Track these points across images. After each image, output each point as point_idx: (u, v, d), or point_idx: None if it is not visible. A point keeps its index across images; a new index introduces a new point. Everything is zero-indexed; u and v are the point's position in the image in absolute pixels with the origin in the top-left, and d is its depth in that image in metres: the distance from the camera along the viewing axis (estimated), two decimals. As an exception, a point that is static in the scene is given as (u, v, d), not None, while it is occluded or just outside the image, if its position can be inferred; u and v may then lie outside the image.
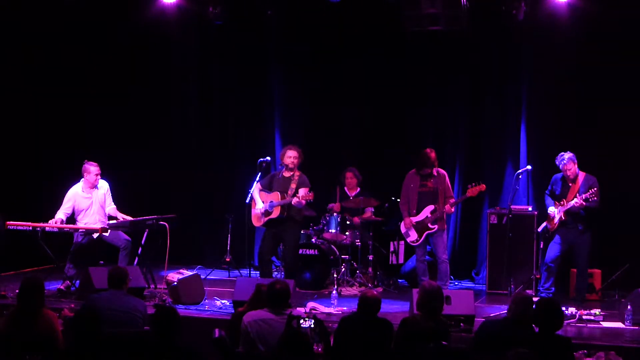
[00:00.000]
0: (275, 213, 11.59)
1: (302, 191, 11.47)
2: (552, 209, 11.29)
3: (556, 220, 11.19)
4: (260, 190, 11.72)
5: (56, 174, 12.93)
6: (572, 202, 10.96)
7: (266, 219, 11.66)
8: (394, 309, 10.49)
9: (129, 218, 11.76)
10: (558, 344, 7.12)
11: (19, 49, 13.34)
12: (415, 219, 11.63)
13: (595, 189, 10.90)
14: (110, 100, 14.18)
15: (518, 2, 12.00)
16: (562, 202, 11.11)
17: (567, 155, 11.12)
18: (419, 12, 12.09)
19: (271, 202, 11.59)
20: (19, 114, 13.52)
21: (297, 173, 11.70)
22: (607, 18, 11.96)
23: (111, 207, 11.91)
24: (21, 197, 13.09)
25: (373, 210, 12.80)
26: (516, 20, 12.13)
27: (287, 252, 11.82)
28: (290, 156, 11.67)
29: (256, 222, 11.84)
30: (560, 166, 11.17)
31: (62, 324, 7.82)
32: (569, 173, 11.14)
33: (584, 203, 10.87)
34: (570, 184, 11.18)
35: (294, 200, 11.41)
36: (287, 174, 11.70)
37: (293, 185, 11.60)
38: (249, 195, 11.64)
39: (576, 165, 11.13)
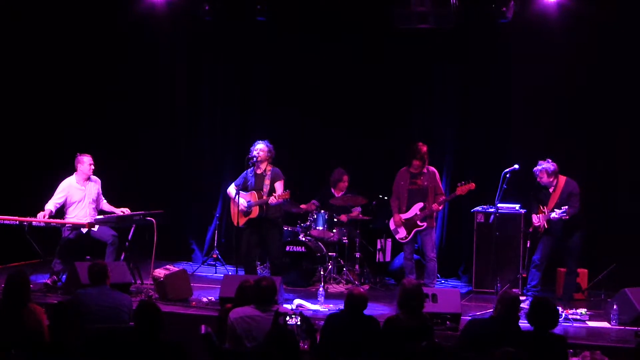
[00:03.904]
0: (255, 213, 11.54)
1: (279, 188, 11.43)
2: (535, 218, 11.23)
3: (541, 226, 11.11)
4: (237, 190, 11.66)
5: (45, 168, 12.88)
6: (551, 215, 10.86)
7: (246, 219, 11.61)
8: (380, 309, 10.46)
9: (120, 210, 11.77)
10: (553, 343, 7.13)
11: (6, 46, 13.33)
12: (404, 216, 11.66)
13: (567, 207, 10.71)
14: (98, 96, 14.11)
15: (508, 1, 12.02)
16: (543, 210, 11.05)
17: (542, 166, 10.91)
18: (408, 10, 12.10)
19: (249, 202, 11.54)
20: (5, 108, 13.45)
21: (268, 168, 11.63)
22: (597, 18, 11.99)
23: (103, 202, 11.93)
24: (8, 191, 13.03)
25: (360, 209, 12.80)
26: (506, 19, 12.14)
27: (272, 249, 11.79)
28: (257, 149, 11.60)
29: (236, 221, 11.74)
30: (535, 174, 11.11)
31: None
32: (540, 181, 11.07)
33: (565, 216, 10.77)
34: (550, 190, 11.13)
35: (271, 199, 11.37)
36: (258, 171, 11.64)
37: (267, 182, 11.55)
38: (236, 194, 11.58)
39: (551, 178, 10.93)
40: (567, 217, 10.72)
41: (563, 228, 10.95)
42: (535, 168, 11.03)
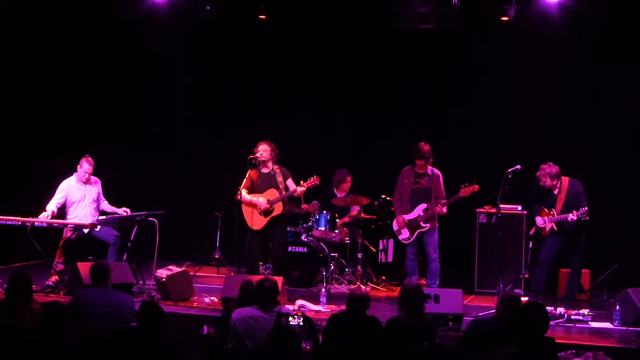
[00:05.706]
0: (278, 210, 11.45)
1: (291, 185, 11.36)
2: (539, 220, 11.17)
3: (547, 228, 11.04)
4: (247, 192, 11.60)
5: (46, 168, 12.87)
6: (568, 217, 10.76)
7: (268, 218, 11.51)
8: (382, 309, 10.44)
9: (122, 210, 11.76)
10: (542, 344, 7.10)
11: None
12: (407, 217, 11.65)
13: (586, 207, 10.64)
14: (97, 95, 14.10)
15: (509, 1, 12.01)
16: (551, 212, 10.98)
17: (544, 170, 10.89)
18: (409, 10, 12.10)
19: (269, 200, 11.46)
20: (6, 108, 13.46)
21: (275, 167, 11.62)
22: (598, 18, 11.99)
23: (104, 203, 11.91)
24: (10, 191, 13.03)
25: (359, 208, 12.76)
26: (507, 19, 12.14)
27: (275, 248, 11.76)
28: (260, 150, 11.56)
29: (258, 225, 11.54)
30: (539, 178, 11.05)
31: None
32: (543, 185, 10.99)
33: (585, 217, 10.65)
34: (555, 192, 11.08)
35: (299, 190, 11.32)
36: (265, 170, 11.58)
37: (280, 179, 11.51)
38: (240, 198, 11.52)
39: (555, 181, 10.87)
40: (588, 218, 10.65)
41: (575, 229, 10.89)
42: (537, 173, 10.99)
